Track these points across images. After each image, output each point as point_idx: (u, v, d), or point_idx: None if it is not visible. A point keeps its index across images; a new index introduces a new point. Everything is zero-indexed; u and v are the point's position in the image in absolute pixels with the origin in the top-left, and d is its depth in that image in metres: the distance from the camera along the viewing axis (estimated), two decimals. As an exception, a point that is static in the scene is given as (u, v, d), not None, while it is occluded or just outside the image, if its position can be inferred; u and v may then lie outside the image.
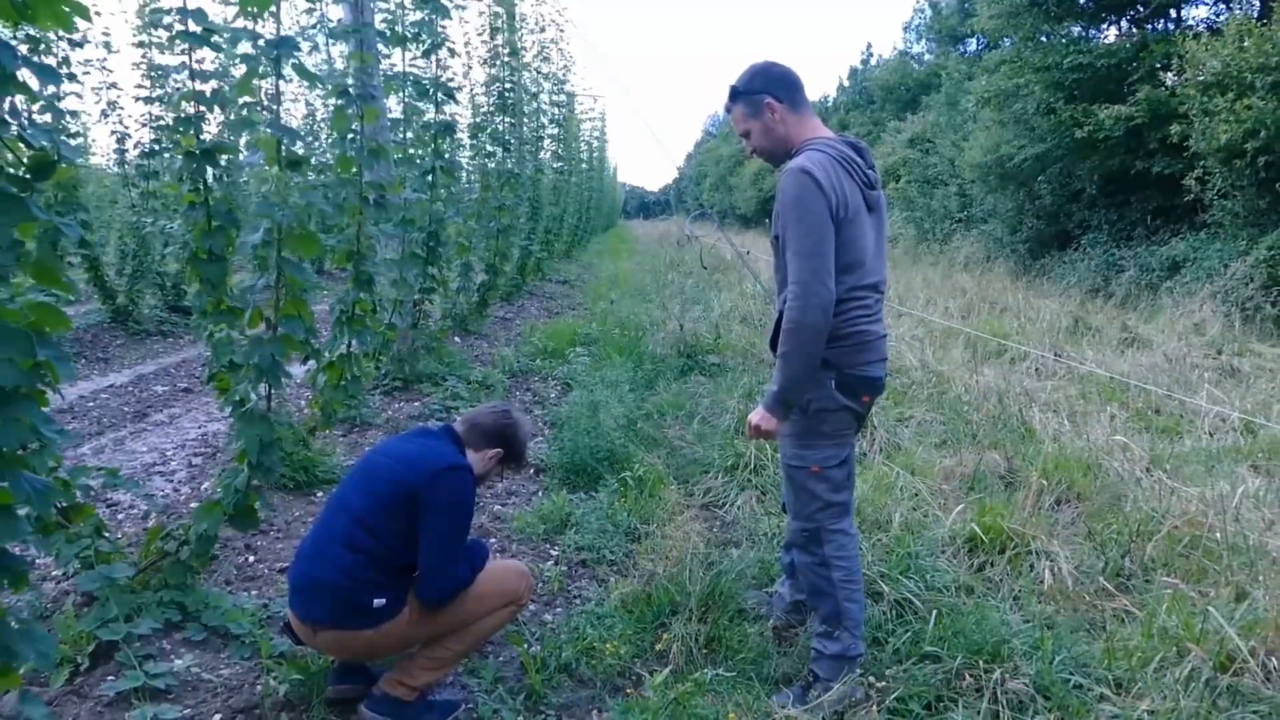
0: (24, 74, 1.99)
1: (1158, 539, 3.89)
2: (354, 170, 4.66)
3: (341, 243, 4.85)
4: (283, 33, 3.29)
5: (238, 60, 3.26)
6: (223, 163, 3.57)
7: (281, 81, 3.48)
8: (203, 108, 3.44)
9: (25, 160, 2.00)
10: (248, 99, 3.28)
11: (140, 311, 10.03)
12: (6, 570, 1.97)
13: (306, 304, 3.43)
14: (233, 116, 3.45)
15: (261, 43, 3.19)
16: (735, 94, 2.88)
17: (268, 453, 3.32)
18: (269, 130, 3.27)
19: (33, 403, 1.94)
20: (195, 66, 3.41)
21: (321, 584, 2.54)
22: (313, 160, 11.84)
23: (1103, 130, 15.04)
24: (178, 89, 3.53)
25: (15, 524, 1.92)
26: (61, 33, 8.35)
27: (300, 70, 3.47)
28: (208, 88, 3.44)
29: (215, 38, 3.33)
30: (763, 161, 3.02)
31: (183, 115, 3.47)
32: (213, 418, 6.29)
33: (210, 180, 3.53)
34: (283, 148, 3.30)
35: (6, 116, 1.93)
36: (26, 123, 2.01)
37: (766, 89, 2.82)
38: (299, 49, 3.40)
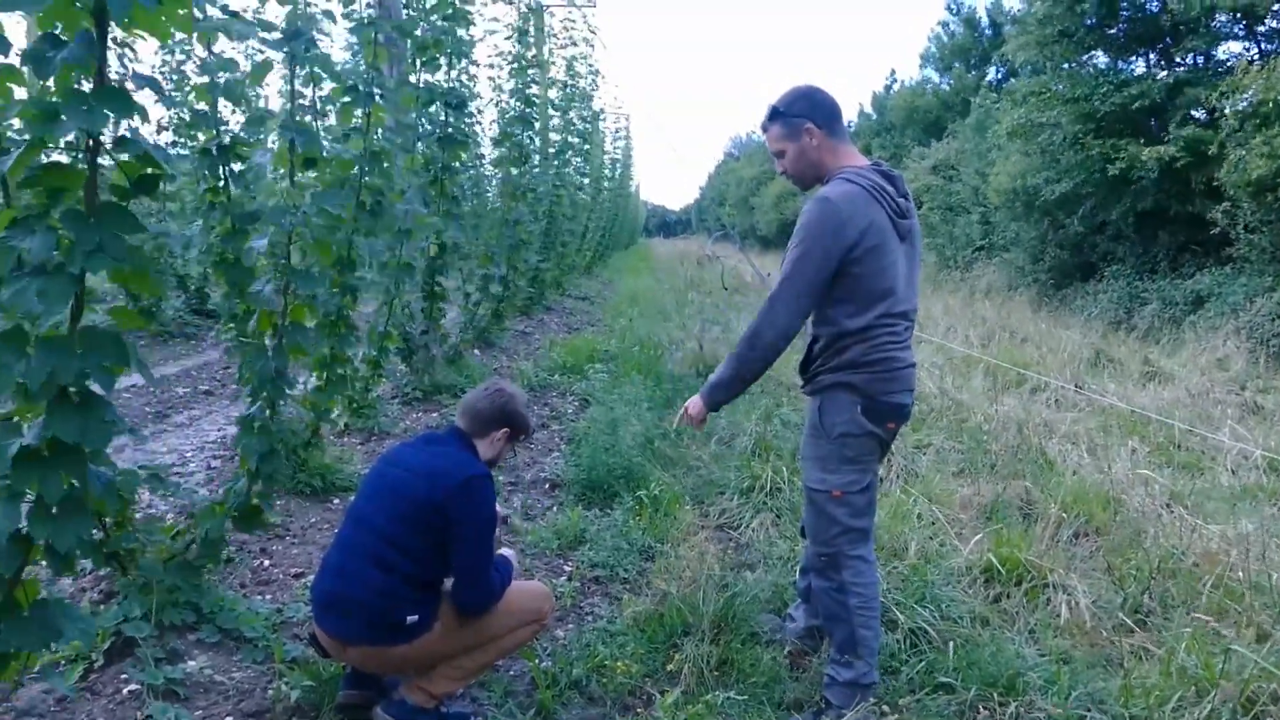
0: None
1: (1179, 576, 3.84)
2: (351, 173, 4.58)
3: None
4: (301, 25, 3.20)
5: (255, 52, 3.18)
6: (241, 163, 3.53)
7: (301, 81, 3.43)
8: (221, 101, 3.35)
9: (130, 175, 2.09)
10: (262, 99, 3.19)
11: (163, 314, 10.11)
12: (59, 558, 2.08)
13: (316, 311, 3.40)
14: (246, 113, 3.42)
15: (275, 35, 3.07)
16: (775, 113, 2.87)
17: (267, 461, 3.30)
18: (281, 128, 3.19)
19: (110, 404, 2.02)
20: (212, 57, 3.28)
21: (352, 602, 2.55)
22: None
23: (1136, 169, 14.90)
24: (193, 85, 3.43)
25: (86, 520, 1.99)
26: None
27: (323, 64, 3.38)
28: (222, 79, 3.28)
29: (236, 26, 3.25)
30: (789, 183, 3.04)
31: (198, 110, 3.41)
32: (232, 420, 6.32)
33: (228, 179, 3.49)
34: (296, 147, 3.21)
35: (127, 133, 2.04)
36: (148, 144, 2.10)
37: (808, 114, 2.82)
38: (315, 44, 3.27)
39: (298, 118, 3.37)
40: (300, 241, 3.34)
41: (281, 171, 3.36)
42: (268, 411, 3.38)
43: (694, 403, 3.01)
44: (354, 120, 4.50)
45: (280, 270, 3.35)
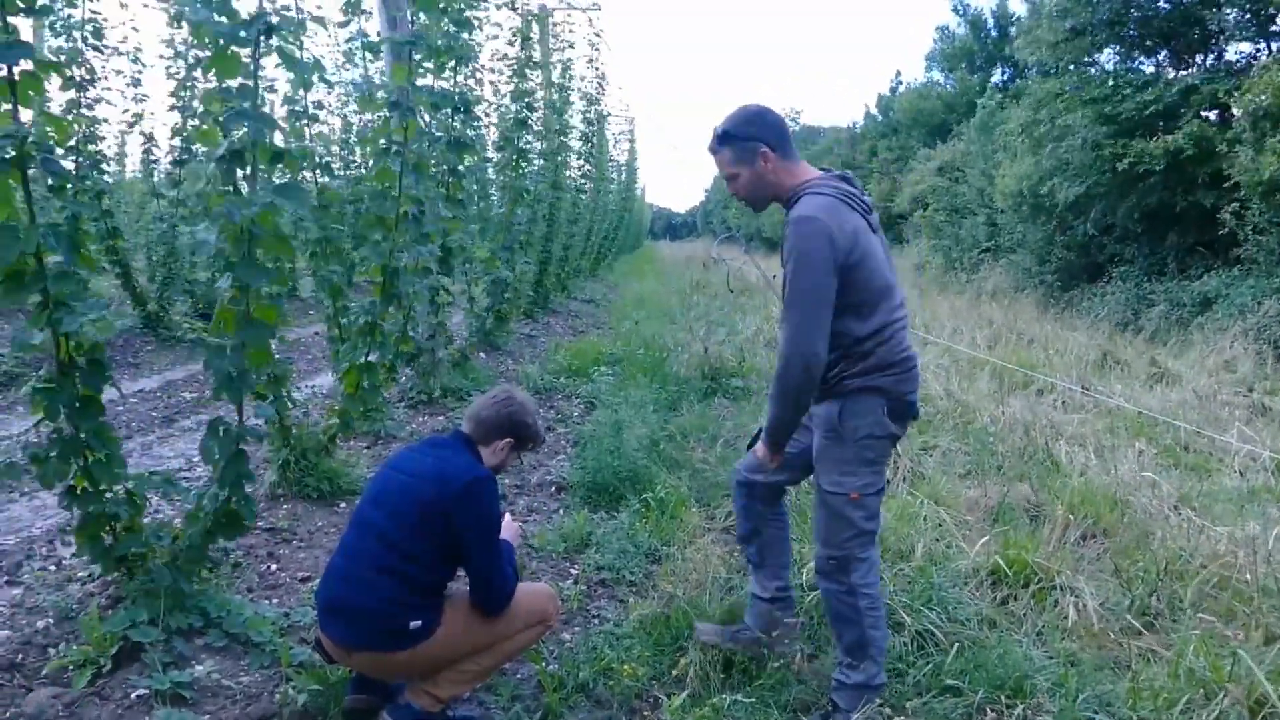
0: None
1: (1187, 578, 3.83)
2: (391, 183, 4.65)
3: (374, 255, 4.84)
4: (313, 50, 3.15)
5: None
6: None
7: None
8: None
9: None
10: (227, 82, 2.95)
11: (171, 318, 10.16)
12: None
13: (276, 311, 3.23)
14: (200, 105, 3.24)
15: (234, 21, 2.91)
16: (726, 137, 2.81)
17: (233, 465, 3.19)
18: (238, 119, 2.98)
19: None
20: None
21: (356, 609, 2.57)
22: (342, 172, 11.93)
23: (1144, 163, 14.82)
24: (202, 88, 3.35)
25: None
26: (90, 41, 8.28)
27: (285, 56, 3.20)
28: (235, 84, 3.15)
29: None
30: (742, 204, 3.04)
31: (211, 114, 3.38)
32: (239, 425, 6.34)
33: (241, 183, 3.46)
34: (261, 139, 3.04)
35: None
36: None
37: (761, 136, 2.78)
38: (279, 29, 3.08)
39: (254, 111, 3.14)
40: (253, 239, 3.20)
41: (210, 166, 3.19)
42: (238, 414, 3.27)
43: (762, 450, 2.99)
44: (392, 134, 4.55)
45: (227, 265, 3.16)
